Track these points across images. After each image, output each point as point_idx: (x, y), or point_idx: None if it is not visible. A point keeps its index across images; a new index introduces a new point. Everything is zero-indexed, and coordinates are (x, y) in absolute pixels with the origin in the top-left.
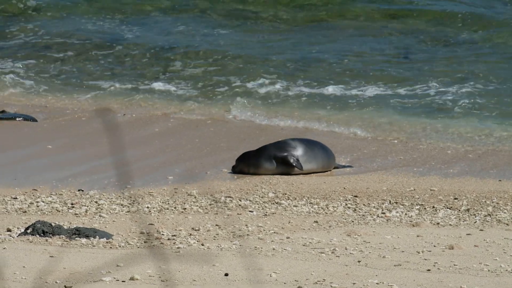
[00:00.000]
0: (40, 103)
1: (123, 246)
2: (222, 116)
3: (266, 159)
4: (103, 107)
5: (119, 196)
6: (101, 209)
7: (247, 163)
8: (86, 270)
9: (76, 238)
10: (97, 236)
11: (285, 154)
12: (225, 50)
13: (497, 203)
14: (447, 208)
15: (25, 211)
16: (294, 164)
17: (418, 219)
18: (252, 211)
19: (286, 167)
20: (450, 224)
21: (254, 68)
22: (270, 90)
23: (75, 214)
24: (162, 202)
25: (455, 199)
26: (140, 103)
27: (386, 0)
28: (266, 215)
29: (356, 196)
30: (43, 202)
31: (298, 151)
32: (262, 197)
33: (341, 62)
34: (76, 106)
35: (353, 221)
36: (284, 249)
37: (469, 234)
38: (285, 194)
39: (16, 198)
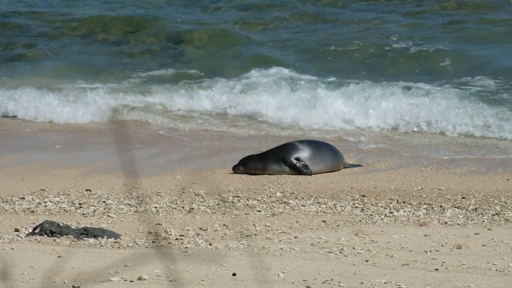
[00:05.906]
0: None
1: (131, 246)
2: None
3: (274, 161)
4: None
5: (127, 196)
6: (109, 209)
7: (254, 166)
8: (94, 270)
9: (84, 238)
10: (105, 236)
11: (294, 160)
12: None
13: (505, 202)
14: (455, 207)
15: (33, 211)
16: (304, 171)
17: (426, 218)
18: (259, 211)
19: (294, 171)
20: (458, 224)
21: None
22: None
23: (83, 214)
24: (170, 202)
25: (463, 198)
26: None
27: None
28: (274, 214)
29: (363, 196)
30: (51, 202)
31: (306, 154)
32: (269, 197)
33: None
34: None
35: (360, 221)
36: (292, 249)
37: (477, 234)
38: (293, 193)
39: (24, 198)
